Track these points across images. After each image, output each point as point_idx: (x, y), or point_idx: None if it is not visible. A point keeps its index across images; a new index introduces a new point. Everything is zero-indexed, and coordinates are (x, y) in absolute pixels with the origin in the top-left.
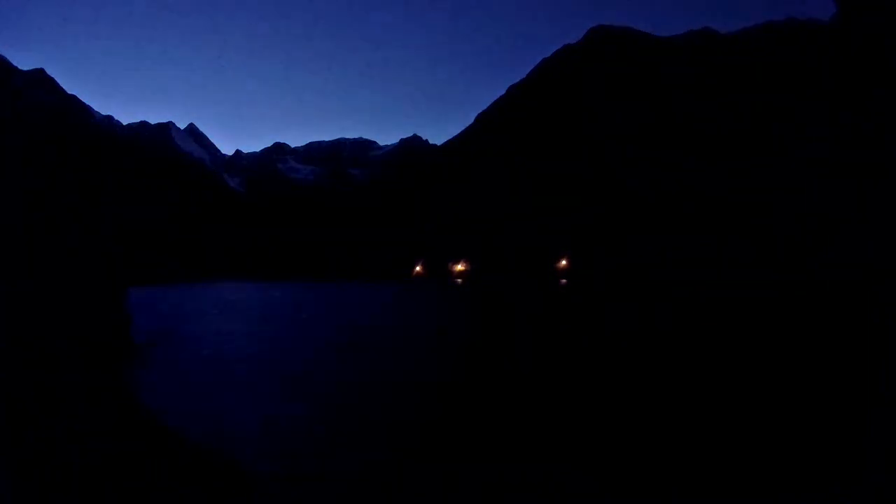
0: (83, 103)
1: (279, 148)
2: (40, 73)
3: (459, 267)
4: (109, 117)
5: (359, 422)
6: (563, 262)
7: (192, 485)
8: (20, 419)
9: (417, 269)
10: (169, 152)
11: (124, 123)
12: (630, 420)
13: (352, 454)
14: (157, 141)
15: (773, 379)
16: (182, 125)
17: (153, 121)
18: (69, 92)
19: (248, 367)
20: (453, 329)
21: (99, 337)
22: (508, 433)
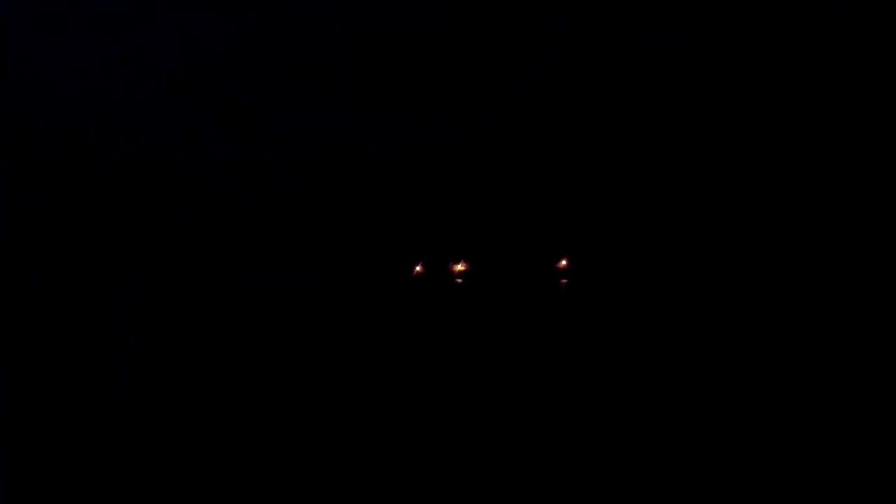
0: None
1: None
2: (40, 74)
3: (459, 267)
4: None
5: None
6: (564, 262)
7: (192, 484)
8: (20, 419)
9: (417, 269)
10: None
11: None
12: (629, 420)
13: None
14: None
15: (773, 379)
16: None
17: None
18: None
19: None
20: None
21: (98, 336)
22: (504, 433)
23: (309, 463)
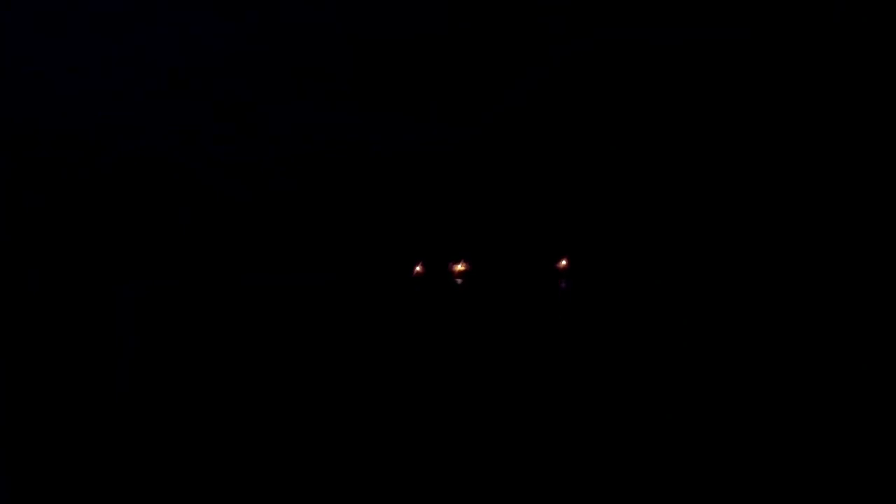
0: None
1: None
2: (40, 74)
3: (459, 267)
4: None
5: None
6: (563, 262)
7: (190, 484)
8: (20, 419)
9: (417, 269)
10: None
11: None
12: (629, 420)
13: None
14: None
15: (773, 379)
16: None
17: None
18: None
19: None
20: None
21: (98, 336)
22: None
23: (309, 463)
